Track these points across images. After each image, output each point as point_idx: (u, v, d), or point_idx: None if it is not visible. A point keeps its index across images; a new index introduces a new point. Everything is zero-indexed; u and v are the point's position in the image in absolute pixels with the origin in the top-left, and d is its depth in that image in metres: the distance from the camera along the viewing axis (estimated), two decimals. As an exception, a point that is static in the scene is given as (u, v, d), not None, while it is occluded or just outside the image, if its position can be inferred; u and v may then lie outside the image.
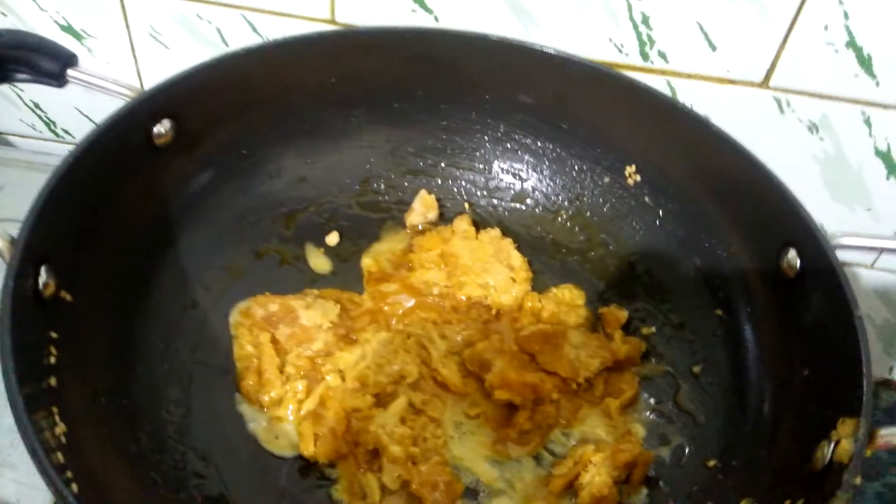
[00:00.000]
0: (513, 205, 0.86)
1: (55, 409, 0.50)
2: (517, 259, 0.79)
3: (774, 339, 0.66)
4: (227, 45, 0.90)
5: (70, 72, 0.63)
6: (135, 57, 0.93)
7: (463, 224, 0.82)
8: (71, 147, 1.02)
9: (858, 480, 0.48)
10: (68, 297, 0.56)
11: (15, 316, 0.47)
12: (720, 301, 0.72)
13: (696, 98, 0.86)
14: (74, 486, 0.45)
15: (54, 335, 0.54)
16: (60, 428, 0.49)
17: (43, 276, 0.53)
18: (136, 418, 0.60)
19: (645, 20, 0.81)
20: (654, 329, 0.76)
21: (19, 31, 0.64)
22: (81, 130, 1.04)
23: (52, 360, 0.53)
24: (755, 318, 0.69)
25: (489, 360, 0.68)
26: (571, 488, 0.64)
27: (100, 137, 0.59)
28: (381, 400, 0.66)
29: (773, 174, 0.66)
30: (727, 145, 0.69)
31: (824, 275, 0.59)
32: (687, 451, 0.67)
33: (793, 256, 0.64)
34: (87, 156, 0.57)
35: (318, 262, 0.80)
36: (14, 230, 0.89)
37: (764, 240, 0.67)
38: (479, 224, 0.84)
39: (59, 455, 0.46)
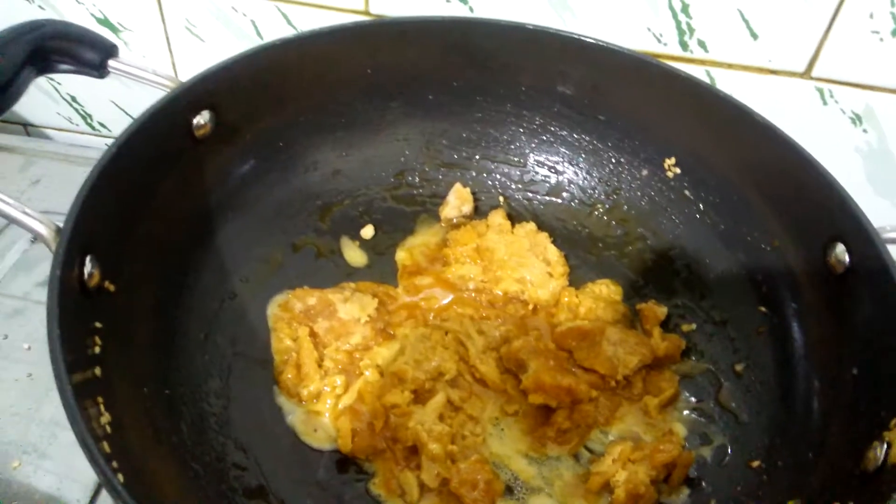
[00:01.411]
0: (548, 198, 0.85)
1: (100, 399, 0.50)
2: (554, 253, 0.78)
3: (822, 337, 0.65)
4: (261, 38, 0.90)
5: (111, 62, 0.64)
6: (170, 50, 0.94)
7: (498, 218, 0.81)
8: (108, 140, 1.04)
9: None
10: (111, 288, 0.57)
11: (62, 305, 0.48)
12: (764, 297, 0.71)
13: (736, 89, 0.84)
14: (121, 476, 0.45)
15: (99, 325, 0.54)
16: (105, 417, 0.49)
17: (88, 267, 0.53)
18: (177, 409, 0.60)
19: (684, 8, 0.79)
20: (694, 326, 0.74)
21: (62, 22, 0.64)
22: (118, 124, 1.05)
23: (97, 349, 0.53)
24: (801, 314, 0.67)
25: (524, 361, 0.67)
26: (609, 486, 0.63)
27: (141, 128, 0.59)
28: (420, 396, 0.66)
29: (820, 166, 0.64)
30: (772, 136, 0.68)
31: (875, 270, 0.58)
32: (730, 450, 0.66)
33: (841, 251, 0.62)
34: (130, 147, 0.57)
35: (354, 255, 0.80)
36: (56, 220, 0.91)
37: (810, 234, 0.66)
38: (514, 218, 0.83)
39: (105, 444, 0.46)
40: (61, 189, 0.98)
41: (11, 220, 0.52)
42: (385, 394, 0.65)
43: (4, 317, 0.82)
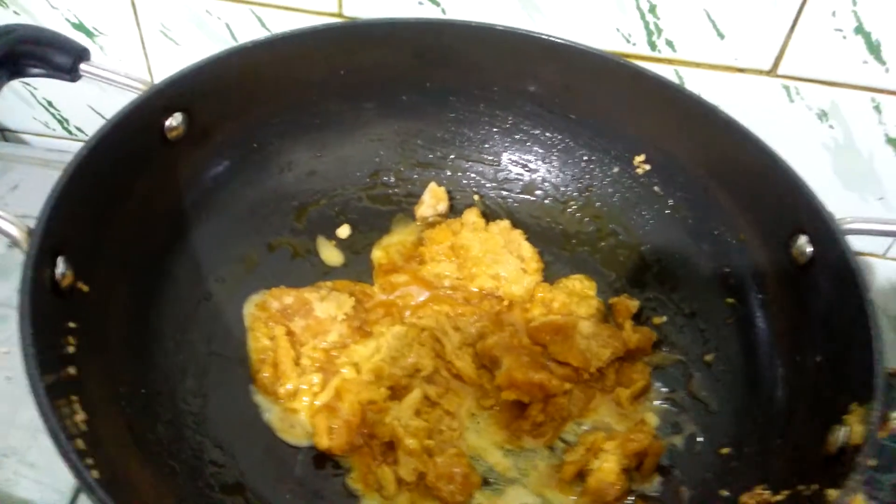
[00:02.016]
0: (522, 196, 0.86)
1: (75, 398, 0.50)
2: (528, 250, 0.80)
3: (786, 326, 0.66)
4: (236, 41, 0.91)
5: (82, 66, 0.64)
6: (146, 54, 0.94)
7: (472, 216, 0.82)
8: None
9: (874, 462, 0.48)
10: (85, 288, 0.57)
11: (34, 305, 0.48)
12: (731, 289, 0.72)
13: (704, 87, 0.86)
14: (95, 473, 0.45)
15: (72, 325, 0.54)
16: (80, 416, 0.50)
17: (60, 267, 0.53)
18: (153, 408, 0.61)
19: (652, 9, 0.81)
20: (665, 318, 0.76)
21: (32, 27, 0.64)
22: (94, 128, 1.04)
23: (71, 349, 0.53)
24: (767, 305, 0.69)
25: (498, 357, 0.68)
26: (582, 475, 0.65)
27: (113, 130, 0.59)
28: (397, 393, 0.66)
29: (782, 160, 0.66)
30: (736, 132, 0.69)
31: (835, 260, 0.59)
32: (700, 439, 0.67)
33: (803, 243, 0.64)
34: (102, 148, 0.58)
35: (330, 254, 0.80)
36: (32, 224, 0.90)
37: (774, 226, 0.67)
38: (488, 216, 0.84)
39: (80, 442, 0.47)
40: (40, 194, 0.96)
41: (-18, 223, 0.52)
42: (362, 391, 0.65)
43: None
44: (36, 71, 0.62)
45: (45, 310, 0.50)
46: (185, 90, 0.66)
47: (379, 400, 0.65)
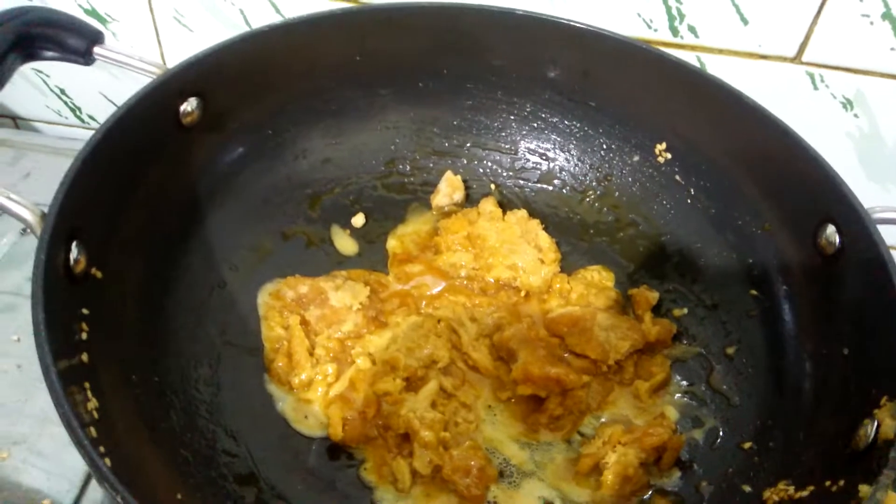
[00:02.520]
0: (539, 185, 0.85)
1: (87, 385, 0.50)
2: (545, 240, 0.78)
3: (813, 318, 0.65)
4: (250, 27, 0.89)
5: (96, 49, 0.63)
6: (159, 40, 0.93)
7: (489, 205, 0.80)
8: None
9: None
10: (99, 274, 0.56)
11: (47, 290, 0.47)
12: (755, 280, 0.71)
13: (726, 74, 0.84)
14: (108, 461, 0.44)
15: (85, 311, 0.54)
16: (93, 403, 0.49)
17: (73, 252, 0.53)
18: (166, 396, 0.60)
19: (675, -7, 0.79)
20: (685, 310, 0.74)
21: (47, 9, 0.63)
22: (107, 116, 1.05)
23: (84, 335, 0.53)
24: (792, 296, 0.67)
25: (514, 350, 0.66)
26: (599, 468, 0.63)
27: (128, 114, 0.58)
28: (412, 384, 0.65)
29: (810, 147, 0.64)
30: (762, 119, 0.68)
31: (865, 250, 0.58)
32: (721, 433, 0.66)
33: (831, 232, 0.62)
34: (117, 132, 0.57)
35: (345, 243, 0.79)
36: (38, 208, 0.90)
37: (801, 216, 0.66)
38: (505, 205, 0.83)
39: (92, 430, 0.46)
40: (52, 182, 0.96)
41: (-3, 207, 0.51)
42: (377, 382, 0.64)
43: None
44: (49, 54, 0.62)
45: (58, 295, 0.49)
46: (201, 75, 0.65)
47: (394, 391, 0.64)
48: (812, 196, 0.64)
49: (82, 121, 1.07)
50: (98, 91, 1.02)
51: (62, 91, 1.03)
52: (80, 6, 0.92)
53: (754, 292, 0.71)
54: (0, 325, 0.80)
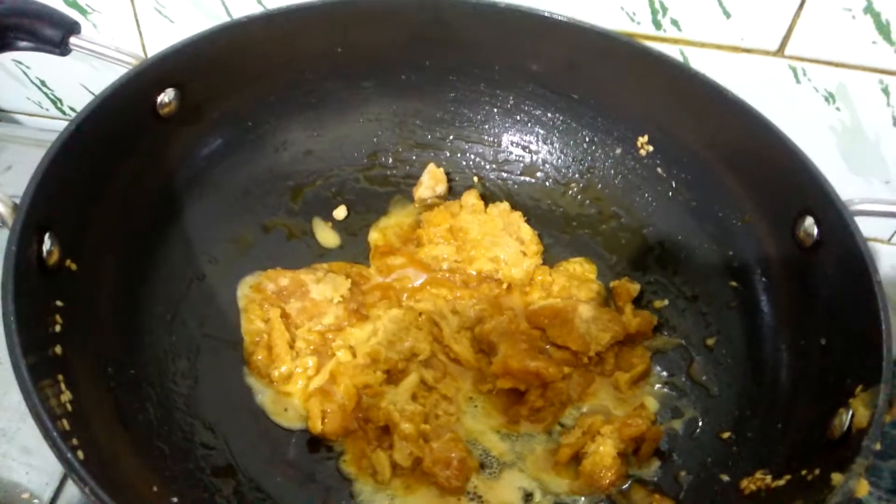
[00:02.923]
0: (522, 178, 0.85)
1: (61, 377, 0.49)
2: (527, 232, 0.78)
3: (791, 309, 0.65)
4: (231, 18, 0.89)
5: (72, 40, 0.63)
6: (140, 31, 0.93)
7: (471, 198, 0.80)
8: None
9: (878, 446, 0.47)
10: (73, 267, 0.56)
11: (18, 282, 0.47)
12: (735, 272, 0.71)
13: (709, 68, 0.84)
14: (80, 454, 0.44)
15: (59, 304, 0.53)
16: (66, 396, 0.49)
17: (47, 244, 0.52)
18: (143, 389, 0.60)
19: (658, -14, 0.79)
20: (666, 302, 0.75)
21: (20, -1, 0.63)
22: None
23: (58, 328, 0.52)
24: (771, 288, 0.68)
25: (495, 343, 0.66)
26: (578, 458, 0.64)
27: (104, 104, 0.58)
28: (393, 377, 0.65)
29: (789, 141, 0.65)
30: (743, 112, 0.68)
31: (842, 241, 0.58)
32: (700, 423, 0.66)
33: (809, 224, 0.63)
34: (91, 123, 0.57)
35: (326, 236, 0.79)
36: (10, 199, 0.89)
37: (780, 208, 0.66)
38: (487, 198, 0.83)
39: (65, 422, 0.46)
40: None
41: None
42: (357, 375, 0.64)
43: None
44: (24, 45, 0.61)
45: (29, 287, 0.49)
46: (178, 65, 0.64)
47: (374, 384, 0.64)
48: (791, 188, 0.64)
49: (63, 112, 1.06)
50: (79, 83, 1.01)
51: (42, 83, 1.02)
52: (60, -3, 0.91)
53: (734, 284, 0.71)
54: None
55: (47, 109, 1.06)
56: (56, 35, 0.61)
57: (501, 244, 0.77)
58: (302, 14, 0.72)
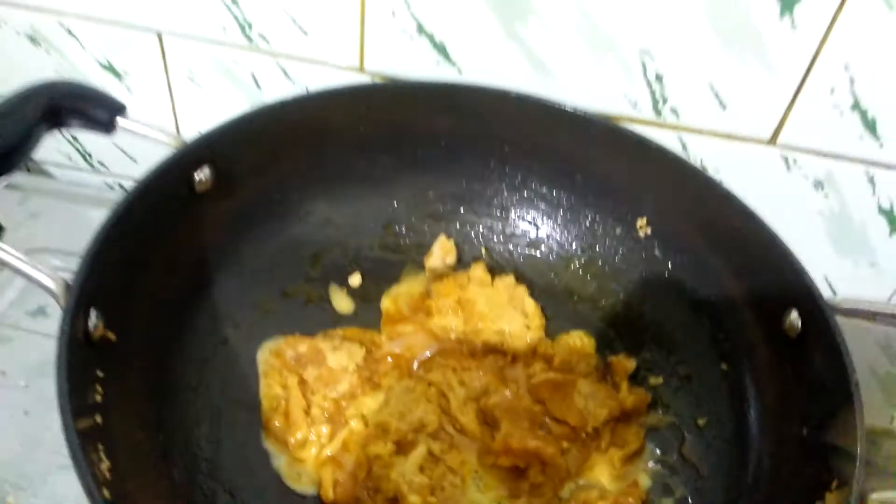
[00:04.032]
0: (528, 251, 0.89)
1: (101, 446, 0.53)
2: (531, 306, 0.83)
3: (775, 397, 0.69)
4: (259, 89, 0.94)
5: (119, 120, 0.68)
6: (171, 96, 0.98)
7: (479, 271, 0.85)
8: (107, 179, 1.07)
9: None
10: (112, 337, 0.60)
11: (70, 359, 0.51)
12: (725, 356, 0.75)
13: (705, 152, 0.90)
14: (119, 522, 0.48)
15: (100, 374, 0.57)
16: (105, 464, 0.52)
17: (93, 319, 0.56)
18: (170, 454, 0.63)
19: (659, 78, 0.85)
20: (661, 380, 0.78)
21: (74, 83, 0.68)
22: (116, 163, 1.09)
23: (98, 398, 0.56)
24: (757, 374, 0.72)
25: (498, 419, 0.70)
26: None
27: (149, 185, 0.62)
28: (402, 447, 0.69)
29: (779, 238, 0.69)
30: (735, 207, 0.73)
31: (824, 340, 0.62)
32: (690, 502, 0.70)
33: (795, 318, 0.67)
34: (136, 203, 0.61)
35: (342, 302, 0.83)
36: (48, 260, 0.93)
37: (768, 299, 0.70)
38: (494, 269, 0.88)
39: (106, 491, 0.49)
40: (59, 226, 1.01)
41: (22, 275, 0.55)
42: (369, 444, 0.68)
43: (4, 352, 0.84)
44: (75, 124, 0.66)
45: (77, 361, 0.53)
46: (216, 145, 0.69)
47: (385, 455, 0.67)
48: (778, 282, 0.69)
49: (92, 166, 1.11)
50: (108, 140, 1.05)
51: (74, 137, 1.08)
52: (97, 61, 0.97)
53: (724, 367, 0.75)
54: (8, 368, 0.82)
55: (76, 162, 1.10)
56: (105, 116, 0.66)
57: (507, 317, 0.82)
58: (331, 97, 0.77)
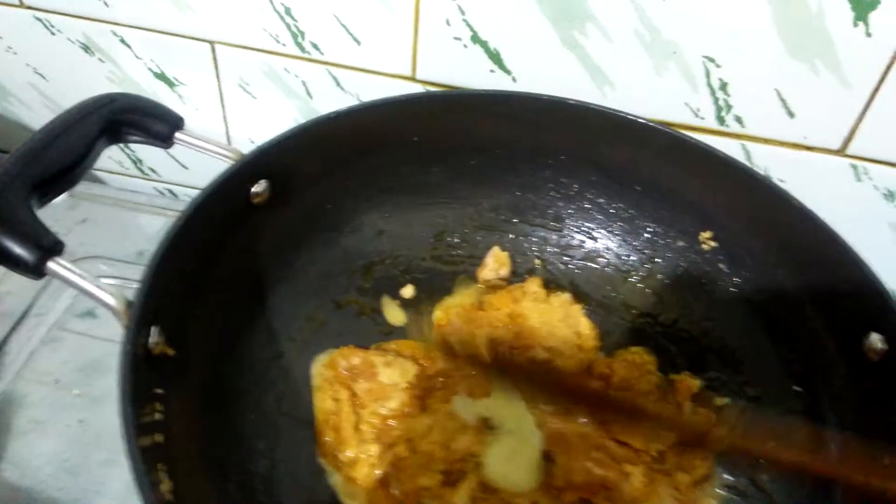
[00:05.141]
0: (584, 263, 0.87)
1: (162, 467, 0.52)
2: (586, 326, 0.80)
3: (855, 422, 0.66)
4: (310, 98, 0.94)
5: (177, 134, 0.67)
6: (223, 105, 0.98)
7: (534, 286, 0.83)
8: (156, 185, 1.08)
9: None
10: (171, 353, 0.59)
11: (133, 379, 0.50)
12: (797, 377, 0.72)
13: (770, 162, 0.87)
14: (182, 545, 0.47)
15: (160, 391, 0.56)
16: (166, 485, 0.51)
17: (153, 336, 0.55)
18: (226, 471, 0.62)
19: (723, 86, 0.82)
20: (727, 400, 0.75)
21: (134, 96, 0.67)
22: (167, 169, 1.09)
23: (158, 416, 0.55)
24: (834, 397, 0.68)
25: (551, 452, 0.67)
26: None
27: (207, 199, 0.62)
28: (450, 477, 0.66)
29: (859, 257, 0.66)
30: (808, 221, 0.69)
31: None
32: (762, 531, 0.67)
33: (875, 339, 0.63)
34: (196, 218, 0.60)
35: (394, 314, 0.82)
36: (98, 267, 0.94)
37: (846, 320, 0.67)
38: (550, 281, 0.85)
39: (168, 514, 0.49)
40: (107, 232, 1.02)
41: (83, 293, 0.54)
42: (417, 474, 0.66)
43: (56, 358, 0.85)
44: (134, 138, 0.65)
45: (139, 380, 0.52)
46: (272, 158, 0.68)
47: (433, 486, 0.65)
48: (859, 304, 0.65)
49: (143, 172, 1.11)
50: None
51: (126, 144, 1.08)
52: (149, 69, 0.97)
53: (797, 388, 0.72)
54: (62, 377, 0.83)
55: (127, 169, 1.11)
56: (164, 130, 0.66)
57: (559, 335, 0.79)
58: (384, 108, 0.76)
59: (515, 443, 0.70)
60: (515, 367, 0.77)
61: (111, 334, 0.79)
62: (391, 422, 0.71)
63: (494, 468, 0.67)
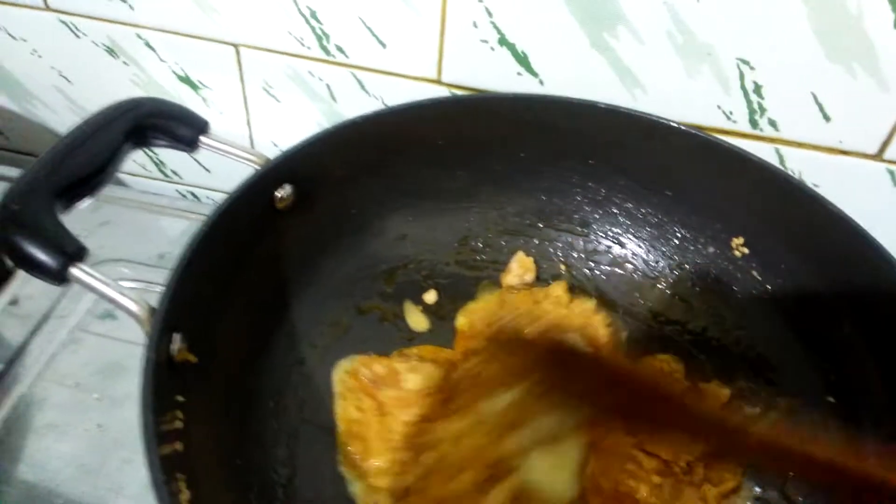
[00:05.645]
0: (610, 269, 0.85)
1: (181, 476, 0.52)
2: (604, 336, 0.78)
3: (894, 433, 0.63)
4: (335, 101, 0.93)
5: (202, 138, 0.67)
6: (246, 107, 0.98)
7: (558, 290, 0.81)
8: (179, 187, 1.08)
9: None
10: (193, 360, 0.58)
11: (155, 387, 0.50)
12: (833, 388, 0.70)
13: (804, 166, 0.84)
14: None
15: (181, 399, 0.56)
16: (185, 495, 0.51)
17: (176, 343, 0.55)
18: (247, 480, 0.62)
19: (757, 89, 0.80)
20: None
21: (158, 100, 0.67)
22: (189, 172, 1.09)
23: (178, 424, 0.55)
24: (872, 409, 0.66)
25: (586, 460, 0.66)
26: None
27: (232, 205, 0.61)
28: (481, 484, 0.65)
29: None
30: (847, 227, 0.67)
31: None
32: (794, 546, 0.65)
33: (917, 352, 0.61)
34: (220, 223, 0.60)
35: (416, 319, 0.81)
36: (119, 271, 0.94)
37: (883, 327, 0.65)
38: (575, 287, 0.84)
39: (188, 524, 0.48)
40: (128, 235, 1.02)
41: (107, 300, 0.54)
42: (446, 482, 0.65)
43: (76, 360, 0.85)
44: (159, 142, 0.65)
45: (161, 388, 0.51)
46: (297, 163, 0.68)
47: (464, 494, 0.64)
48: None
49: (165, 175, 1.11)
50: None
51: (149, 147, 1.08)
52: (174, 72, 0.97)
53: (832, 400, 0.70)
54: (81, 380, 0.83)
55: (150, 171, 1.11)
56: (189, 134, 0.65)
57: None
58: (409, 112, 0.75)
59: (551, 449, 0.69)
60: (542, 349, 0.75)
61: (131, 336, 0.80)
62: (418, 429, 0.69)
63: (531, 474, 0.66)
